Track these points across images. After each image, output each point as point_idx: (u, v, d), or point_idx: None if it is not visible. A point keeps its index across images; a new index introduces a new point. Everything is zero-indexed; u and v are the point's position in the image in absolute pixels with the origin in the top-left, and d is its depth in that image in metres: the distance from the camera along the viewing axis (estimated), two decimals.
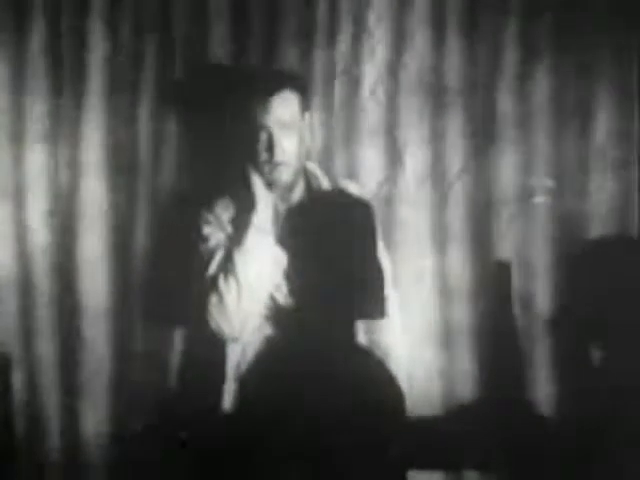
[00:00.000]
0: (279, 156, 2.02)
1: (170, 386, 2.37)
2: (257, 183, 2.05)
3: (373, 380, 2.22)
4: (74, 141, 2.39)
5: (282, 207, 2.12)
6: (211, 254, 2.07)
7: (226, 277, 2.02)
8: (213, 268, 2.05)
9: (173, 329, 2.37)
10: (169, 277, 2.31)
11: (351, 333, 2.18)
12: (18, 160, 2.39)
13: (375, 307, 2.19)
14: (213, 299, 2.03)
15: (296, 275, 2.10)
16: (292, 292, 2.10)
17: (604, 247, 2.38)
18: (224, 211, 2.11)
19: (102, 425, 2.41)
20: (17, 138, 2.39)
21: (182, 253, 2.15)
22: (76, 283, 2.40)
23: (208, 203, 2.12)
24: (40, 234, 2.40)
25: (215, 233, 2.09)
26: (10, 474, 2.43)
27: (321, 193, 2.16)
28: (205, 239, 2.09)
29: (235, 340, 2.07)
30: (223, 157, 2.24)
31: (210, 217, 2.11)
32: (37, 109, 2.38)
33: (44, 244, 2.40)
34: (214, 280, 2.03)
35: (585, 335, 2.37)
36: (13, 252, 2.40)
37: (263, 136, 2.02)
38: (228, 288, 2.01)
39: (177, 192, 2.37)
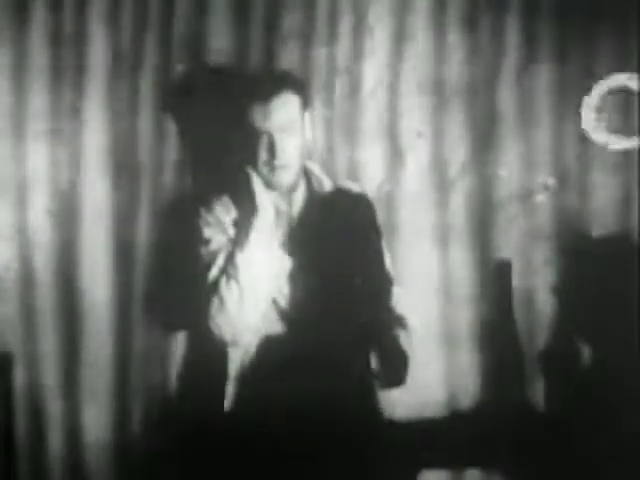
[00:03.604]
0: (280, 159, 2.01)
1: (172, 386, 2.37)
2: (258, 186, 2.04)
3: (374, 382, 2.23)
4: (75, 140, 2.39)
5: (284, 208, 2.12)
6: (212, 257, 2.06)
7: (228, 281, 2.01)
8: (215, 271, 2.04)
9: (175, 331, 2.36)
10: (170, 279, 2.31)
11: (354, 335, 2.18)
12: (19, 159, 2.39)
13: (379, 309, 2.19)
14: (215, 302, 2.02)
15: (298, 277, 2.09)
16: (294, 294, 2.10)
17: (604, 246, 2.38)
18: (225, 213, 2.10)
19: (103, 425, 2.41)
20: (18, 136, 2.38)
21: (183, 255, 2.15)
22: (77, 282, 2.40)
23: (209, 205, 2.11)
24: (41, 233, 2.39)
25: (216, 236, 2.08)
26: (10, 474, 2.42)
27: (322, 193, 2.16)
28: (206, 242, 2.08)
29: (236, 344, 2.07)
30: (224, 159, 2.24)
31: (211, 219, 2.10)
32: (38, 107, 2.38)
33: (45, 243, 2.40)
34: (215, 283, 2.02)
35: (581, 333, 2.38)
36: (14, 251, 2.40)
37: (264, 139, 2.01)
38: (230, 292, 2.01)
39: (178, 194, 2.37)
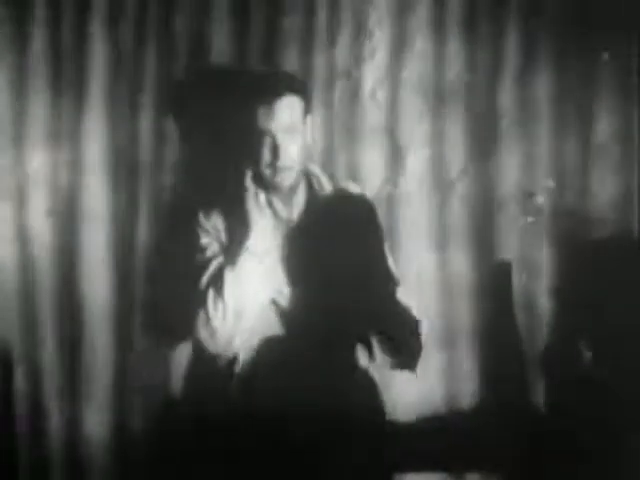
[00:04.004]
0: (283, 160, 2.01)
1: (173, 387, 2.37)
2: (253, 205, 2.03)
3: (373, 381, 2.23)
4: (75, 141, 2.39)
5: (284, 211, 2.11)
6: (206, 265, 2.05)
7: (215, 297, 2.00)
8: (204, 282, 2.03)
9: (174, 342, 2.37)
10: (168, 285, 2.30)
11: (355, 336, 2.18)
12: (19, 160, 2.39)
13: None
14: (201, 316, 2.02)
15: (299, 278, 2.09)
16: (295, 296, 2.10)
17: (604, 247, 2.38)
18: (222, 221, 2.09)
19: (103, 425, 2.41)
20: (18, 138, 2.39)
21: (181, 261, 2.13)
22: (77, 283, 2.39)
23: (207, 211, 2.10)
24: (41, 234, 2.40)
25: (212, 244, 2.08)
26: (10, 474, 2.42)
27: (323, 195, 2.16)
28: (202, 249, 2.08)
29: (224, 354, 2.07)
30: (224, 162, 2.24)
31: (208, 226, 2.09)
32: (38, 109, 2.38)
33: (45, 244, 2.40)
34: (203, 296, 2.01)
35: (581, 334, 2.38)
36: (14, 252, 2.40)
37: (267, 141, 2.01)
38: (215, 309, 2.00)
39: (178, 197, 2.36)
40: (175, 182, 2.38)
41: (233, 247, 2.04)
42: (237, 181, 2.06)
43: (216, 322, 2.00)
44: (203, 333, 2.02)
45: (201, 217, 2.10)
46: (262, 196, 2.06)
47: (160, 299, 2.34)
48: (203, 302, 2.01)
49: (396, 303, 2.18)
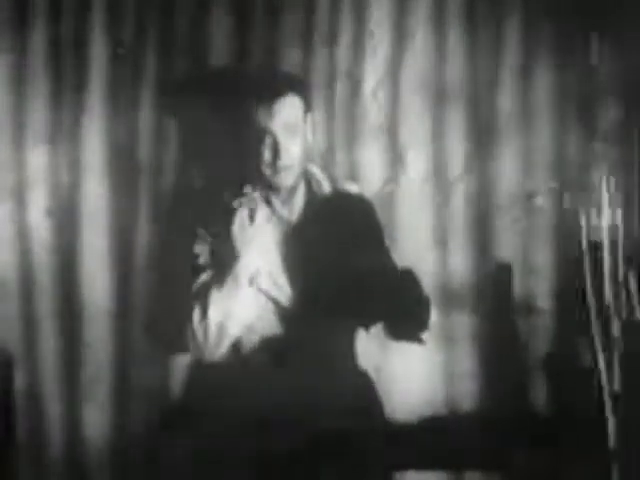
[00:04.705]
0: (284, 160, 2.01)
1: (173, 387, 2.37)
2: (240, 234, 2.03)
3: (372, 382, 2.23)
4: (75, 141, 2.39)
5: (283, 211, 2.11)
6: (197, 273, 2.06)
7: (200, 313, 2.01)
8: (191, 294, 2.04)
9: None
10: (163, 287, 2.29)
11: (355, 337, 2.19)
12: (19, 160, 2.39)
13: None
14: (187, 326, 2.02)
15: (299, 279, 2.09)
16: (294, 295, 2.10)
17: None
18: (216, 229, 2.08)
19: (103, 425, 2.41)
20: (18, 138, 2.38)
21: (174, 266, 2.14)
22: (77, 282, 2.39)
23: (203, 216, 2.09)
24: (41, 234, 2.39)
25: (204, 252, 2.08)
26: (10, 474, 2.42)
27: (322, 196, 2.16)
28: (194, 256, 2.07)
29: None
30: (226, 162, 2.23)
31: (203, 233, 2.08)
32: (38, 109, 2.38)
33: (45, 244, 2.39)
34: (190, 309, 2.02)
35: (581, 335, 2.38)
36: (14, 252, 2.39)
37: (267, 140, 2.01)
38: (200, 323, 2.01)
39: (177, 198, 2.36)
40: (174, 183, 2.38)
41: (223, 265, 2.04)
42: (229, 197, 2.06)
43: (199, 335, 2.01)
44: (190, 342, 2.03)
45: (197, 222, 2.09)
46: (261, 212, 2.05)
47: (155, 302, 2.34)
48: (189, 314, 2.01)
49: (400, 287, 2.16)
